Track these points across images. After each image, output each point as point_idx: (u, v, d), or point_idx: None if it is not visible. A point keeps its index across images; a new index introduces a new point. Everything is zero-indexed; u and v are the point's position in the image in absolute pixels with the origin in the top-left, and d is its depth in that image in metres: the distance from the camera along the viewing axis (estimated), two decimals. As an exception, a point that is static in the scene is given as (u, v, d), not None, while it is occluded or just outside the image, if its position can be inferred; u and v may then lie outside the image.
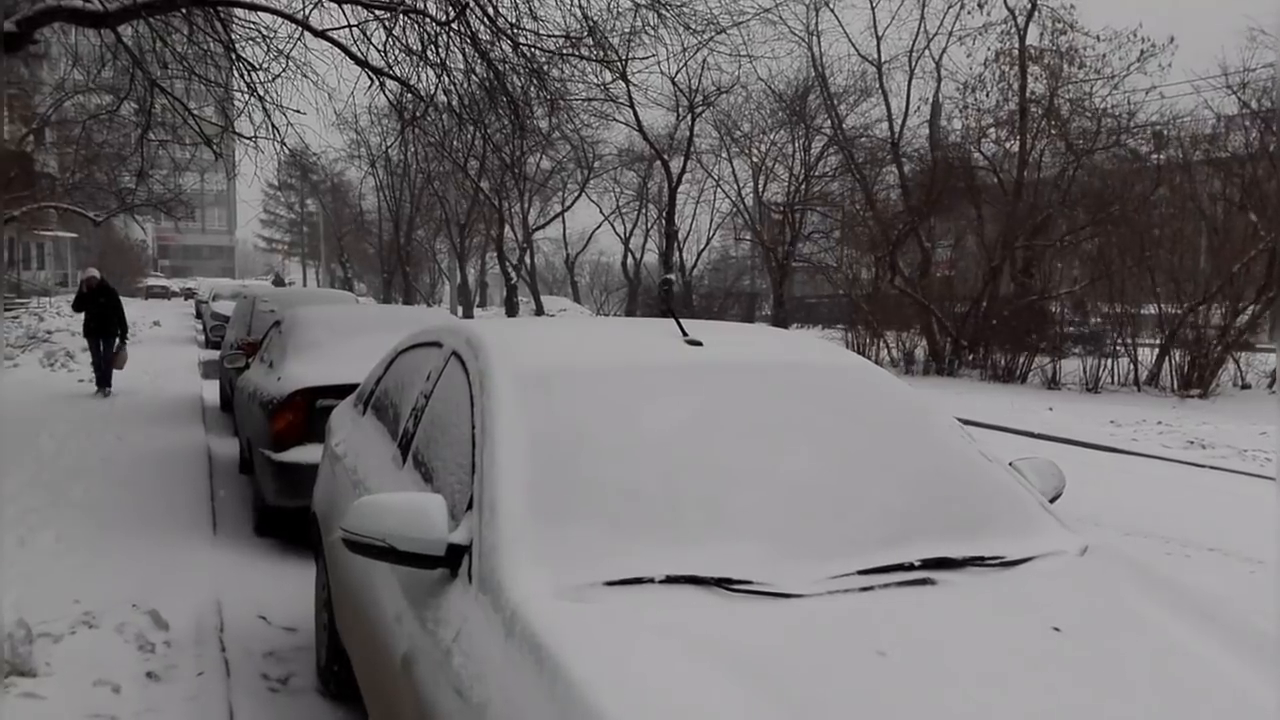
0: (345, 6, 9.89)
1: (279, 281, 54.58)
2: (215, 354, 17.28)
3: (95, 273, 13.77)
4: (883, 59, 23.37)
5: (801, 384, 3.20)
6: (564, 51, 11.08)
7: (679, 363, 3.13)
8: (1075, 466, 6.19)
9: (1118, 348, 17.72)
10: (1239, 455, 10.63)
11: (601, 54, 11.45)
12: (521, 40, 10.49)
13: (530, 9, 10.55)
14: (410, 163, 36.86)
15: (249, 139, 11.40)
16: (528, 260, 41.97)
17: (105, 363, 13.29)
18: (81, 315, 13.55)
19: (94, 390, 13.30)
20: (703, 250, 39.88)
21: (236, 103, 12.85)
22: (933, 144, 23.49)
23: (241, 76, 10.73)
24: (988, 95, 21.06)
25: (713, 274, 40.13)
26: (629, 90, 18.70)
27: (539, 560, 2.30)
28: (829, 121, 26.09)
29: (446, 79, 10.68)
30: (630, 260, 40.41)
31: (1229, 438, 11.75)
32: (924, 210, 21.64)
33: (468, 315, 36.31)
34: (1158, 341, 17.60)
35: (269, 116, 10.92)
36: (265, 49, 10.49)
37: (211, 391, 13.79)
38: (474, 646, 2.16)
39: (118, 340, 13.30)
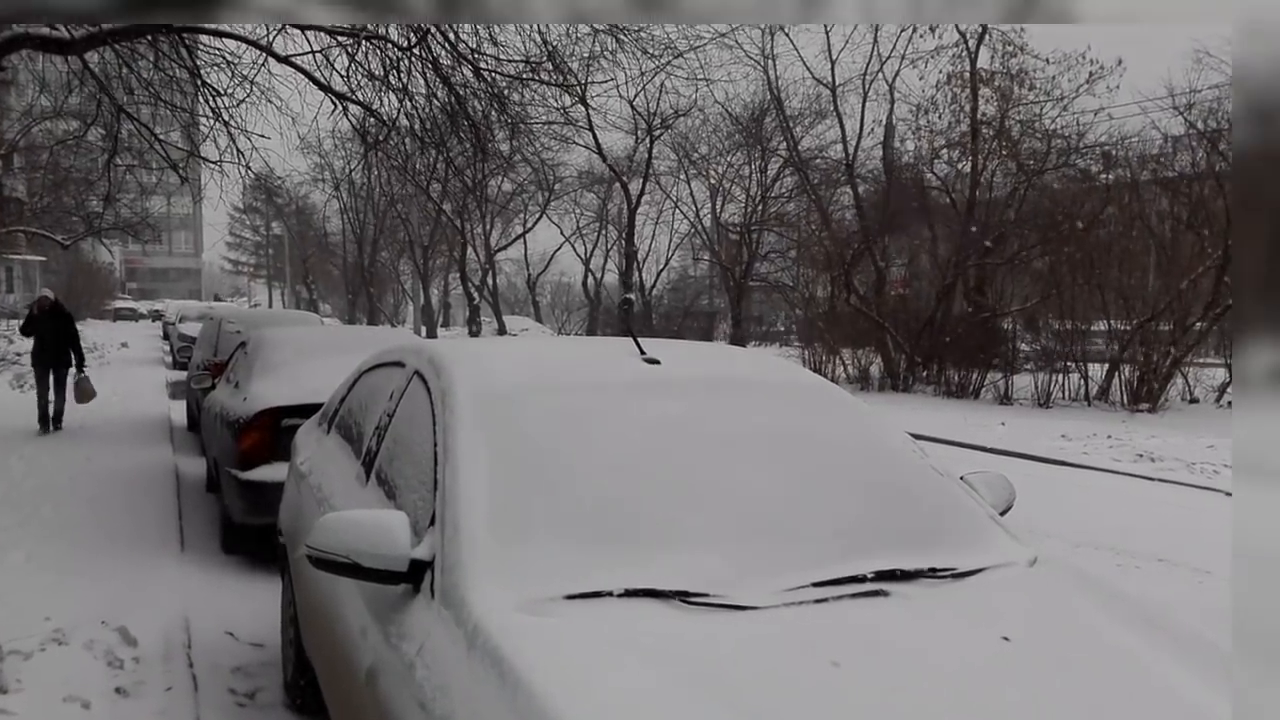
0: (309, 33, 9.93)
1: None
2: (182, 375, 17.18)
3: (49, 294, 12.26)
4: (837, 82, 23.68)
5: (758, 401, 3.24)
6: (524, 76, 11.17)
7: (637, 380, 3.17)
8: (1026, 480, 6.33)
9: (1068, 364, 18.00)
10: (1187, 468, 10.83)
11: (561, 78, 11.56)
12: (482, 65, 10.58)
13: (491, 35, 10.65)
14: (374, 186, 36.74)
15: (214, 163, 11.44)
16: (490, 281, 41.93)
17: (57, 395, 11.70)
18: (30, 341, 11.89)
19: (38, 428, 11.53)
20: (662, 270, 40.10)
21: (202, 128, 12.88)
22: (886, 165, 23.77)
23: (207, 102, 10.80)
24: (940, 117, 21.37)
25: (672, 293, 40.31)
26: (588, 114, 18.80)
27: (500, 575, 2.33)
28: (785, 143, 26.36)
29: (409, 103, 10.74)
30: (591, 280, 40.55)
31: (1177, 451, 11.97)
32: (878, 230, 21.93)
33: (431, 335, 36.11)
34: (1108, 357, 17.91)
35: (234, 141, 10.97)
36: (230, 75, 10.58)
37: (179, 412, 13.68)
38: (437, 660, 2.19)
39: (73, 370, 11.74)
